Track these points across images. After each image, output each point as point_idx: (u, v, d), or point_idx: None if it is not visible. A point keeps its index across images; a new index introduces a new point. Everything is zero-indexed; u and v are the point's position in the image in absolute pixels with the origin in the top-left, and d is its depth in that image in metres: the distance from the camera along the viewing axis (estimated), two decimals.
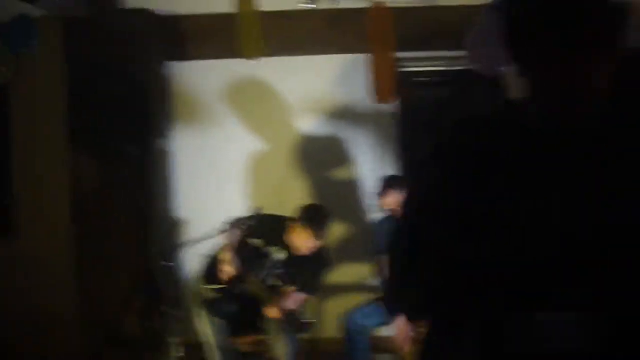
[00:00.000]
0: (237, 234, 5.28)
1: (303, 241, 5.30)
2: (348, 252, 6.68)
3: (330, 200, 6.43)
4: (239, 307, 5.38)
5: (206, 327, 5.37)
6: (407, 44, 6.57)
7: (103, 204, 6.11)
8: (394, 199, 5.46)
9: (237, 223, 5.29)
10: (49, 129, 5.82)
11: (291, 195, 6.55)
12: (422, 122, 6.80)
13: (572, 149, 1.83)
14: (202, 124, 6.84)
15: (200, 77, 6.73)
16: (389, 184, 5.62)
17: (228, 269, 5.23)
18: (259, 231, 5.32)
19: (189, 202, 6.82)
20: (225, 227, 5.29)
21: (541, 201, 1.80)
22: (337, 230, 6.60)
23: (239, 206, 6.25)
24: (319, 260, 5.43)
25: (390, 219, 5.68)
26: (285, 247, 5.37)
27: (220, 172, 6.83)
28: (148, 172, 6.32)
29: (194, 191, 6.82)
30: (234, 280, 5.26)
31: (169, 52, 6.66)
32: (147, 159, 6.22)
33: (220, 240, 5.32)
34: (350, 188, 6.77)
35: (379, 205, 5.67)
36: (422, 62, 6.93)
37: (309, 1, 5.80)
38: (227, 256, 5.25)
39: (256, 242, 5.35)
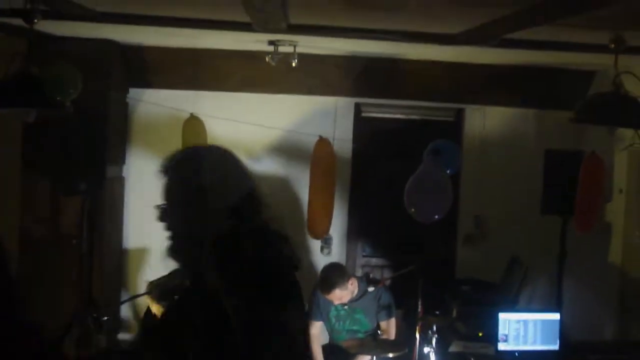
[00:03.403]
0: (157, 293, 5.09)
1: None
2: None
3: None
4: None
5: None
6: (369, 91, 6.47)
7: (50, 232, 5.85)
8: (339, 295, 5.16)
9: (153, 283, 5.16)
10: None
11: None
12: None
13: None
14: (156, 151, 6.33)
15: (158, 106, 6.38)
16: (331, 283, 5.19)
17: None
18: (176, 286, 5.11)
19: (137, 230, 6.51)
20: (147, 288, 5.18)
21: None
22: None
23: None
24: None
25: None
26: None
27: None
28: (98, 204, 5.88)
29: (142, 219, 6.38)
30: None
31: (131, 80, 6.38)
32: (98, 192, 5.78)
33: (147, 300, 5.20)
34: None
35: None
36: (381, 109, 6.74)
37: (272, 60, 5.40)
38: (156, 307, 5.07)
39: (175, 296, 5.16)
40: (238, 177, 2.30)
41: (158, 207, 2.29)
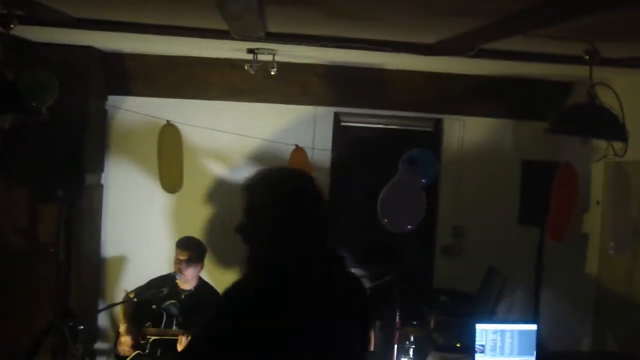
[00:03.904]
0: (132, 303, 5.33)
1: (178, 262, 5.32)
2: None
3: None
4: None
5: None
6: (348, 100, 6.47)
7: (27, 240, 5.80)
8: None
9: (129, 294, 5.37)
10: None
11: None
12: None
13: None
14: (135, 159, 6.46)
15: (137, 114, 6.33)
16: None
17: (125, 342, 5.20)
18: (152, 295, 5.32)
19: (116, 239, 6.49)
20: (123, 299, 5.39)
21: None
22: None
23: (163, 244, 6.11)
24: (207, 298, 5.31)
25: None
26: (177, 296, 5.35)
27: (147, 209, 6.47)
28: (76, 212, 5.84)
29: (121, 227, 6.48)
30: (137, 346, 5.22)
31: (110, 87, 6.32)
32: (76, 200, 5.72)
33: (120, 313, 5.42)
34: None
35: None
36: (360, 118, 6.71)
37: (251, 69, 5.41)
38: (124, 328, 5.27)
39: (153, 306, 5.34)
40: (312, 200, 2.46)
41: (239, 223, 2.45)
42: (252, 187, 2.47)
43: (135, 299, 5.30)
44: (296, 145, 5.94)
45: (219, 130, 6.29)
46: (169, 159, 5.97)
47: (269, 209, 2.39)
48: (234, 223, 2.50)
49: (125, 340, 5.19)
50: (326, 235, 2.47)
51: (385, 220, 5.22)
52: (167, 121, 6.01)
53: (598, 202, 6.10)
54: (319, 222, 2.45)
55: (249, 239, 2.45)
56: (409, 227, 5.29)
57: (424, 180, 5.39)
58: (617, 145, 4.00)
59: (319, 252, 2.42)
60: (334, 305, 2.38)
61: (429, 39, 4.53)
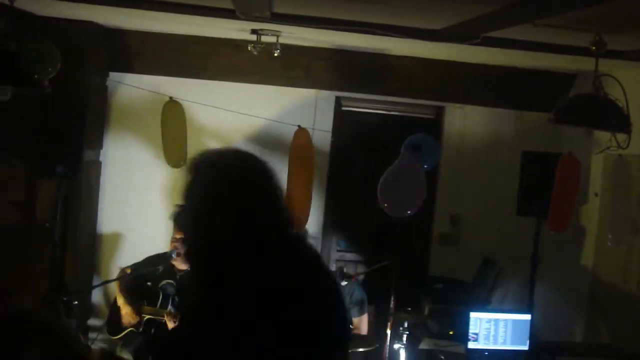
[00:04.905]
0: (129, 279, 5.33)
1: (174, 241, 5.33)
2: None
3: None
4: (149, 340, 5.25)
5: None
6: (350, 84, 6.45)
7: (24, 215, 5.77)
8: None
9: (125, 270, 5.39)
10: None
11: None
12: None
13: None
14: (134, 136, 6.40)
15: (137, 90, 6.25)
16: None
17: (128, 312, 5.23)
18: (148, 272, 5.34)
19: (112, 216, 6.46)
20: (118, 274, 5.42)
21: None
22: None
23: (160, 222, 5.99)
24: None
25: None
26: (172, 276, 5.35)
27: (144, 186, 6.43)
28: (74, 188, 5.79)
29: (118, 204, 6.44)
30: (138, 321, 5.23)
31: (112, 64, 6.28)
32: (75, 176, 5.59)
33: (116, 288, 5.40)
34: None
35: None
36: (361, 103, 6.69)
37: (254, 49, 5.37)
38: (122, 301, 5.27)
39: (148, 282, 5.36)
40: (262, 183, 2.22)
41: (177, 206, 2.24)
42: (194, 169, 2.23)
43: (131, 274, 5.29)
44: (299, 126, 5.90)
45: (221, 109, 6.24)
46: (173, 134, 5.94)
47: (211, 194, 2.17)
48: None
49: (127, 311, 5.19)
50: (278, 220, 2.20)
51: (386, 205, 5.18)
52: (170, 97, 5.97)
53: (596, 194, 6.09)
54: (269, 206, 2.19)
55: (187, 226, 2.26)
56: (409, 212, 5.24)
57: (425, 167, 5.36)
58: (620, 137, 3.99)
59: (270, 237, 2.16)
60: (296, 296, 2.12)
61: (435, 24, 4.50)
